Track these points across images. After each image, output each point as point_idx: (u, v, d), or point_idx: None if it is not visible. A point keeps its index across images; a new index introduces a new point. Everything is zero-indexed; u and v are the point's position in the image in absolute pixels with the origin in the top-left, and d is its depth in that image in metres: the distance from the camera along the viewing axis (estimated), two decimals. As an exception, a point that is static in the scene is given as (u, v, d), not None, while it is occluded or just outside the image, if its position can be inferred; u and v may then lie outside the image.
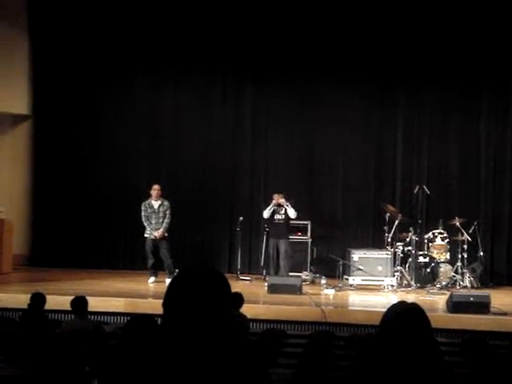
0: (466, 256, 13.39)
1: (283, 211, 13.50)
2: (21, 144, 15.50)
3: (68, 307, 8.01)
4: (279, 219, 13.58)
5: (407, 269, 13.25)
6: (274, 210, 13.58)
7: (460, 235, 13.45)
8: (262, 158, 15.34)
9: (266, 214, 13.60)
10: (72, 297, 8.05)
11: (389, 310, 2.80)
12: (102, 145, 15.39)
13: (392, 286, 12.85)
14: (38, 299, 8.13)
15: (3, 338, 7.40)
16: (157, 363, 2.35)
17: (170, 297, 2.39)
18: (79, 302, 7.84)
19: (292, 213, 13.48)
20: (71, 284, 12.30)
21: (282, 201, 13.50)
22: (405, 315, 2.74)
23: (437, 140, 15.00)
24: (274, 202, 13.54)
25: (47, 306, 8.32)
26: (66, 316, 9.47)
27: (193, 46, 15.11)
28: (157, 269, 13.19)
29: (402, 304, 2.85)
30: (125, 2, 15.15)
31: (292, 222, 13.77)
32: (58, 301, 9.74)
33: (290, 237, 13.77)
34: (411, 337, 2.69)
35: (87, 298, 8.03)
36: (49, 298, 8.49)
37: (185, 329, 2.33)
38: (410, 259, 13.25)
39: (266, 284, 12.16)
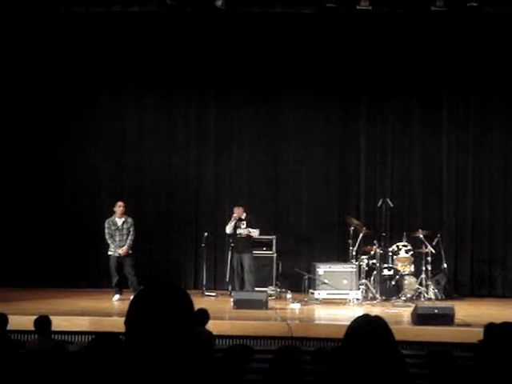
0: (430, 268, 13.50)
1: (245, 225, 13.46)
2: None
3: (31, 327, 7.91)
4: (241, 234, 13.51)
5: (372, 282, 13.31)
6: (235, 224, 13.52)
7: (424, 247, 13.56)
8: (226, 173, 15.35)
9: (229, 229, 13.53)
10: (35, 316, 7.95)
11: (352, 323, 2.80)
12: (64, 162, 15.26)
13: (357, 299, 12.90)
14: (0, 320, 8.01)
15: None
16: (120, 381, 2.33)
17: (131, 315, 2.37)
18: (42, 322, 7.74)
19: (254, 233, 13.44)
20: (34, 303, 12.14)
21: (238, 214, 13.42)
22: (367, 328, 2.75)
23: (399, 153, 15.15)
24: (234, 215, 13.48)
25: (9, 327, 8.20)
26: (29, 336, 9.33)
27: (154, 62, 15.09)
28: (121, 286, 13.10)
29: (364, 317, 2.85)
30: (84, 19, 15.03)
31: (257, 236, 13.73)
32: (21, 321, 9.60)
33: (255, 251, 13.73)
34: (374, 350, 2.69)
35: (51, 317, 7.95)
36: (11, 318, 8.37)
37: (148, 346, 2.31)
38: (375, 272, 13.32)
39: (232, 299, 12.12)
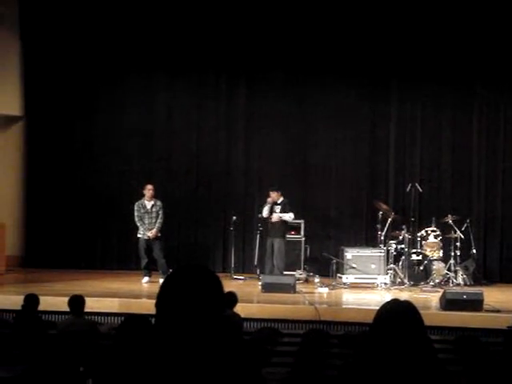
0: (458, 253, 13.43)
1: (279, 209, 13.43)
2: (13, 145, 15.47)
3: (62, 308, 8.02)
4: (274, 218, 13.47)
5: (400, 267, 13.27)
6: (271, 209, 13.48)
7: (453, 233, 13.48)
8: (256, 157, 15.34)
9: (265, 212, 13.49)
10: (66, 298, 8.04)
11: (381, 307, 2.81)
12: (94, 145, 15.39)
13: (385, 283, 12.87)
14: (32, 300, 8.12)
15: (-3, 339, 7.39)
16: (150, 363, 2.36)
17: (162, 297, 2.39)
18: (76, 301, 7.82)
19: (288, 217, 13.38)
20: (65, 285, 12.29)
21: (273, 198, 13.40)
22: (397, 313, 2.75)
23: (429, 138, 15.04)
24: (269, 199, 13.45)
25: (41, 307, 8.31)
26: (59, 317, 9.46)
27: (185, 45, 15.10)
28: (150, 269, 13.18)
29: (394, 302, 2.85)
30: (116, 3, 15.13)
31: (291, 220, 13.62)
32: (52, 302, 9.74)
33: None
34: (404, 334, 2.70)
35: (81, 298, 8.02)
36: (42, 299, 8.48)
37: (178, 329, 2.34)
38: (403, 257, 13.27)
39: (260, 283, 12.16)
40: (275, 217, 13.30)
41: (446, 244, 13.54)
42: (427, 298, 11.74)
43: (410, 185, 14.08)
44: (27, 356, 6.46)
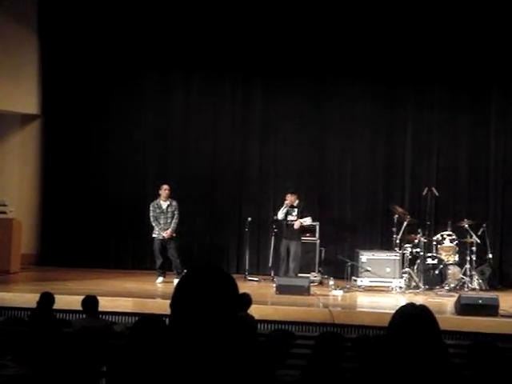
0: (474, 258, 13.34)
1: (295, 212, 13.41)
2: (30, 143, 15.56)
3: (76, 307, 8.04)
4: (292, 220, 13.40)
5: (415, 270, 13.22)
6: (287, 211, 13.46)
7: (469, 237, 13.41)
8: (271, 159, 15.34)
9: (280, 215, 13.46)
10: (80, 296, 8.07)
11: (397, 311, 2.80)
12: (110, 144, 15.42)
13: (400, 287, 12.82)
14: (47, 299, 8.16)
15: (12, 337, 7.42)
16: (164, 363, 2.36)
17: (177, 297, 2.40)
18: (89, 302, 7.84)
19: (307, 222, 13.38)
20: (80, 284, 12.33)
21: (290, 201, 13.38)
22: (413, 317, 2.74)
23: (446, 141, 14.98)
24: (286, 202, 13.43)
25: (56, 306, 8.35)
26: (74, 315, 9.50)
27: (201, 45, 15.13)
28: (165, 269, 13.22)
29: (410, 306, 2.85)
30: (133, 2, 15.18)
31: (309, 223, 13.63)
32: (67, 300, 9.78)
33: (299, 238, 13.72)
34: (419, 339, 2.69)
35: (95, 297, 8.04)
36: (57, 297, 8.52)
37: (192, 329, 2.34)
38: (419, 261, 13.22)
39: (274, 285, 12.15)
40: (297, 224, 13.26)
41: (462, 248, 13.46)
42: (442, 303, 11.69)
43: (426, 188, 14.02)
44: (42, 354, 6.49)
